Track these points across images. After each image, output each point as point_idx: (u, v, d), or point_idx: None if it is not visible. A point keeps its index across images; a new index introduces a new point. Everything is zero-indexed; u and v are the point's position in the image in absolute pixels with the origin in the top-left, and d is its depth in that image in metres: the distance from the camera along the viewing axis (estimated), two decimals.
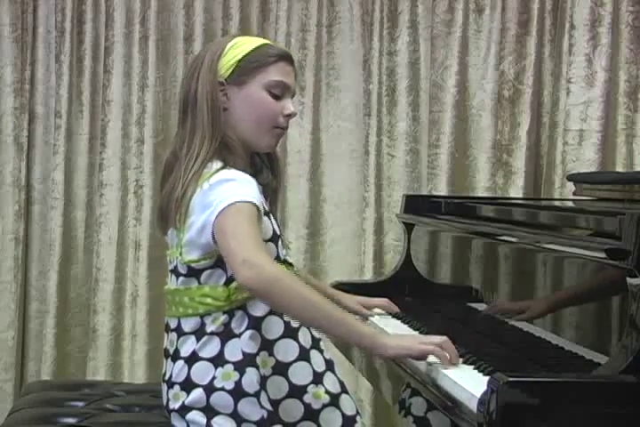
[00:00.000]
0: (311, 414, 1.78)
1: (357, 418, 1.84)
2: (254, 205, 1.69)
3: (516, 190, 3.33)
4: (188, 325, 1.77)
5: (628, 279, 1.47)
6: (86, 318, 3.51)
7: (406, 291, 2.54)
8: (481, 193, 3.34)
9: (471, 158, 3.39)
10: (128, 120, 3.46)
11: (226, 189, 1.69)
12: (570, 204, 2.68)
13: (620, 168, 3.23)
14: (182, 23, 3.47)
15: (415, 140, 3.42)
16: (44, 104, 3.54)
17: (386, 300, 2.27)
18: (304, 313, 1.66)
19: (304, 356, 1.79)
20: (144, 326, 3.43)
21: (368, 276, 3.33)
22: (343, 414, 1.81)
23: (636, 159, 3.24)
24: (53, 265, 3.48)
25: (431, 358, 1.65)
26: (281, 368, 1.76)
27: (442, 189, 3.34)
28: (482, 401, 1.38)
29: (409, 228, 2.63)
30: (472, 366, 1.64)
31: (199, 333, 1.75)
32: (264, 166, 1.88)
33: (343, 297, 2.24)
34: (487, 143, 3.36)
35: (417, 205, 2.63)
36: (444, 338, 1.66)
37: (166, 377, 1.79)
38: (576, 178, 2.81)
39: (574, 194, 2.79)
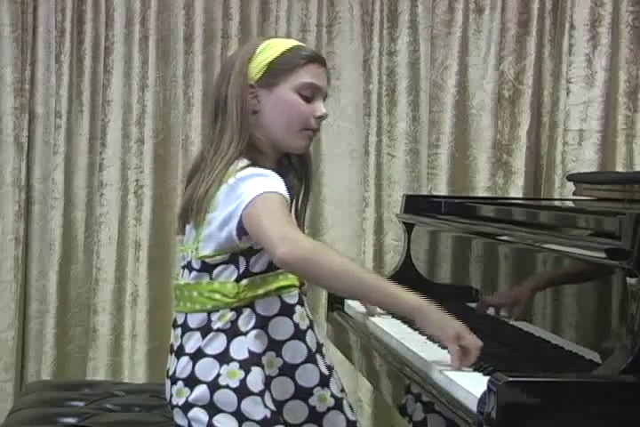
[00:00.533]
0: (315, 416, 1.79)
1: (358, 425, 1.85)
2: (284, 196, 1.69)
3: (516, 190, 3.33)
4: (195, 320, 1.77)
5: (628, 279, 1.47)
6: (86, 318, 3.51)
7: None
8: (481, 193, 3.34)
9: (471, 158, 3.39)
10: (128, 120, 3.46)
11: (255, 182, 1.69)
12: (570, 204, 2.68)
13: (619, 168, 3.23)
14: (182, 23, 3.47)
15: (415, 140, 3.42)
16: (43, 104, 3.54)
17: None
18: (346, 284, 1.64)
19: (311, 358, 1.80)
20: (144, 326, 3.43)
21: None
22: (347, 419, 1.83)
23: (636, 159, 3.24)
24: (53, 265, 3.48)
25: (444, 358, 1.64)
26: (288, 369, 1.77)
27: (442, 189, 3.34)
28: (482, 401, 1.38)
29: (409, 228, 2.63)
30: (472, 366, 1.64)
31: (205, 329, 1.76)
32: (291, 169, 1.88)
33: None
34: (487, 143, 3.36)
35: (417, 205, 2.63)
36: (479, 345, 1.63)
37: (170, 373, 1.79)
38: (576, 178, 2.81)
39: (574, 194, 2.79)
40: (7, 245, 3.50)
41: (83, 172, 3.53)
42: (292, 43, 1.85)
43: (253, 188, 1.67)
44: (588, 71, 3.25)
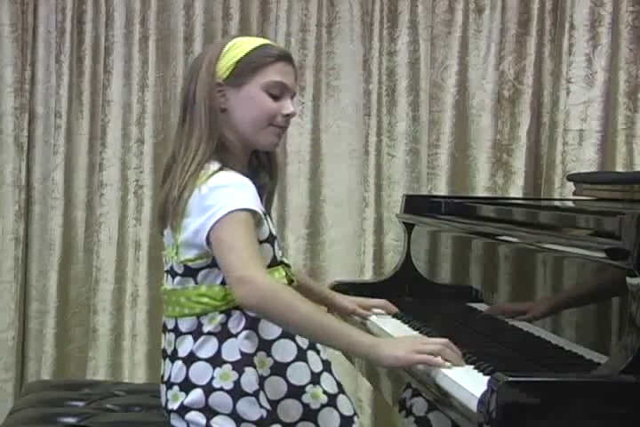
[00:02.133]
0: (310, 414, 1.79)
1: (355, 418, 1.85)
2: (251, 211, 1.70)
3: (516, 190, 3.33)
4: (185, 325, 1.78)
5: (628, 279, 1.47)
6: (86, 318, 3.51)
7: (406, 291, 2.54)
8: (481, 193, 3.34)
9: (471, 158, 3.39)
10: (128, 120, 3.46)
11: (224, 195, 1.70)
12: (570, 204, 2.68)
13: (619, 168, 3.23)
14: (182, 23, 3.47)
15: (415, 140, 3.41)
16: (44, 104, 3.54)
17: (384, 300, 2.27)
18: (301, 327, 1.67)
19: (301, 356, 1.79)
20: (144, 326, 3.43)
21: (368, 276, 3.33)
22: (341, 415, 1.82)
23: (635, 159, 3.24)
24: (53, 265, 3.48)
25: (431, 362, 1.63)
26: (279, 369, 1.77)
27: (442, 189, 3.34)
28: (482, 401, 1.38)
29: (409, 228, 2.63)
30: (472, 366, 1.64)
31: (196, 333, 1.76)
32: (261, 167, 1.89)
33: (340, 298, 2.24)
34: (487, 143, 3.36)
35: (417, 205, 2.63)
36: (442, 342, 1.63)
37: (165, 378, 1.80)
38: (576, 178, 2.81)
39: (574, 194, 2.79)
40: (7, 245, 3.50)
41: (83, 172, 3.53)
42: (259, 41, 1.85)
43: (222, 203, 1.68)
44: (588, 71, 3.25)
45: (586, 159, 3.23)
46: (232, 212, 1.68)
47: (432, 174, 3.37)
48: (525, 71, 3.35)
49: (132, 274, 3.46)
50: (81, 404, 2.24)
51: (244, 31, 3.44)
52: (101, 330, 3.45)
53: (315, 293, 2.20)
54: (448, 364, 1.60)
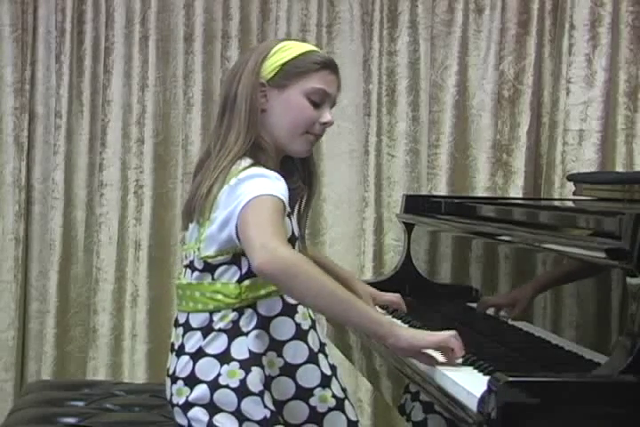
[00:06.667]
0: (316, 416, 1.79)
1: (359, 425, 1.86)
2: (281, 200, 1.69)
3: (516, 190, 3.33)
4: (197, 320, 1.78)
5: (628, 279, 1.47)
6: (86, 318, 3.51)
7: (406, 291, 2.54)
8: (481, 193, 3.34)
9: (471, 158, 3.39)
10: (128, 120, 3.47)
11: (255, 183, 1.70)
12: (570, 204, 2.68)
13: (619, 168, 3.23)
14: (182, 23, 3.47)
15: (415, 140, 3.41)
16: (44, 104, 3.54)
17: (398, 295, 2.26)
18: (319, 299, 1.63)
19: (313, 359, 1.79)
20: (144, 326, 3.43)
21: (368, 276, 3.33)
22: (348, 419, 1.82)
23: (635, 159, 3.24)
24: (53, 265, 3.48)
25: (438, 356, 1.65)
26: (289, 370, 1.77)
27: (442, 189, 3.34)
28: (482, 401, 1.38)
29: (409, 228, 2.64)
30: (472, 366, 1.64)
31: (207, 329, 1.76)
32: (295, 171, 1.89)
33: (357, 285, 2.19)
34: (487, 143, 3.36)
35: (417, 205, 2.64)
36: (450, 333, 1.65)
37: (170, 372, 1.80)
38: (576, 178, 2.81)
39: (574, 194, 2.80)
40: (7, 245, 3.50)
41: (83, 172, 3.53)
42: (308, 47, 1.87)
43: (251, 189, 1.68)
44: (588, 71, 3.25)
45: (586, 159, 3.23)
46: (260, 195, 1.67)
47: (432, 174, 3.37)
48: (525, 71, 3.35)
49: (132, 274, 3.46)
50: (81, 404, 2.24)
51: (244, 31, 3.44)
52: (101, 330, 3.45)
53: (333, 273, 2.06)
54: (459, 360, 1.62)
